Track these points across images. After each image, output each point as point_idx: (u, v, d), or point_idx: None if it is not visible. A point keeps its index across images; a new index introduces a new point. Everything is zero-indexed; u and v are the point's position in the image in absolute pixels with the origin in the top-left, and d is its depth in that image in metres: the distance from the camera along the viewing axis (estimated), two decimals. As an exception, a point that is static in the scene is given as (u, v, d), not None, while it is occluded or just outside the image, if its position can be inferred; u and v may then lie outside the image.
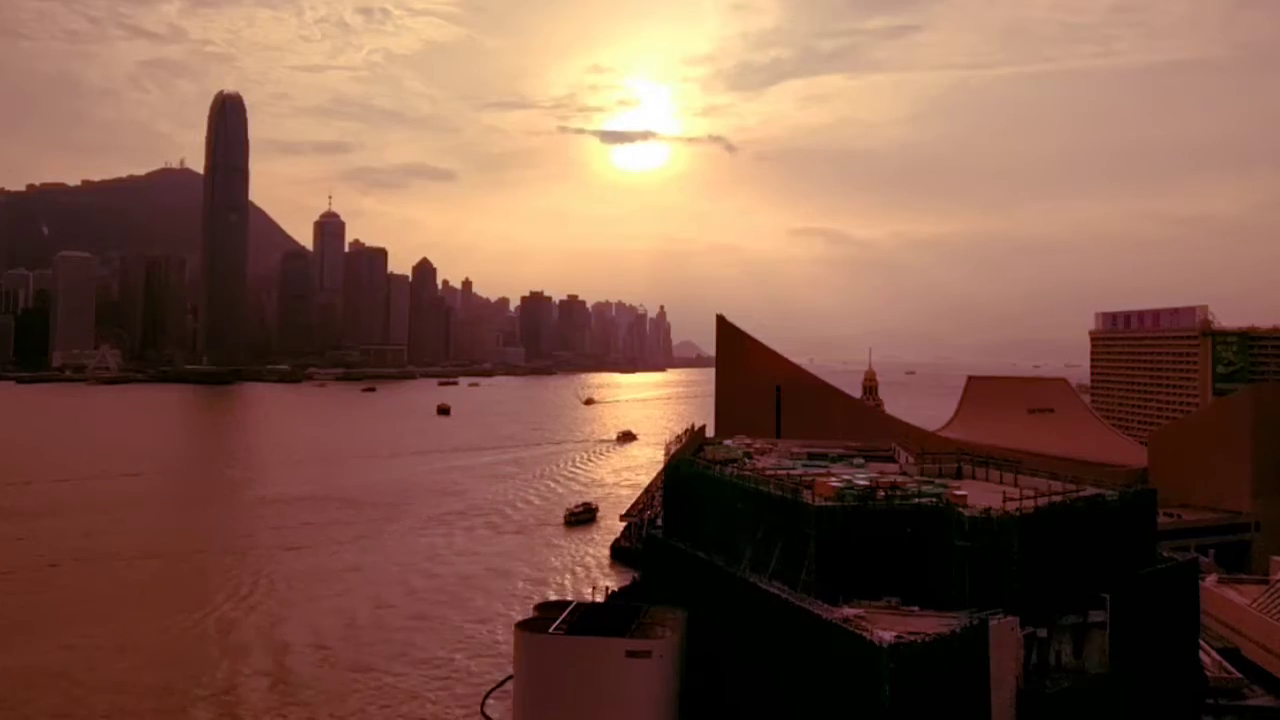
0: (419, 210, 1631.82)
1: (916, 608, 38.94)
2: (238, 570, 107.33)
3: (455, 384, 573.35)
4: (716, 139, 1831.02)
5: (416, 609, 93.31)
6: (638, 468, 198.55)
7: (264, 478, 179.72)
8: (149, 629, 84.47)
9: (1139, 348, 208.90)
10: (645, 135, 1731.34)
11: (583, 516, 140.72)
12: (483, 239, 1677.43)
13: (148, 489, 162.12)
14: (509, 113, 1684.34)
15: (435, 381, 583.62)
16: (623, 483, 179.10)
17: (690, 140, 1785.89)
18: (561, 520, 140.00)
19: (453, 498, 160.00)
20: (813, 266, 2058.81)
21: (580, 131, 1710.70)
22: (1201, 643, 52.38)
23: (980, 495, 46.06)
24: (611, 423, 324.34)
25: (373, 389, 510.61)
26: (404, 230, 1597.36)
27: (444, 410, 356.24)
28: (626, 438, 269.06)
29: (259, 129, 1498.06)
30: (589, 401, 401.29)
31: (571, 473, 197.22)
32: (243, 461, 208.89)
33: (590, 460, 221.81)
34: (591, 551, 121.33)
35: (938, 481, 52.88)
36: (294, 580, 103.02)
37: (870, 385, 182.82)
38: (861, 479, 49.84)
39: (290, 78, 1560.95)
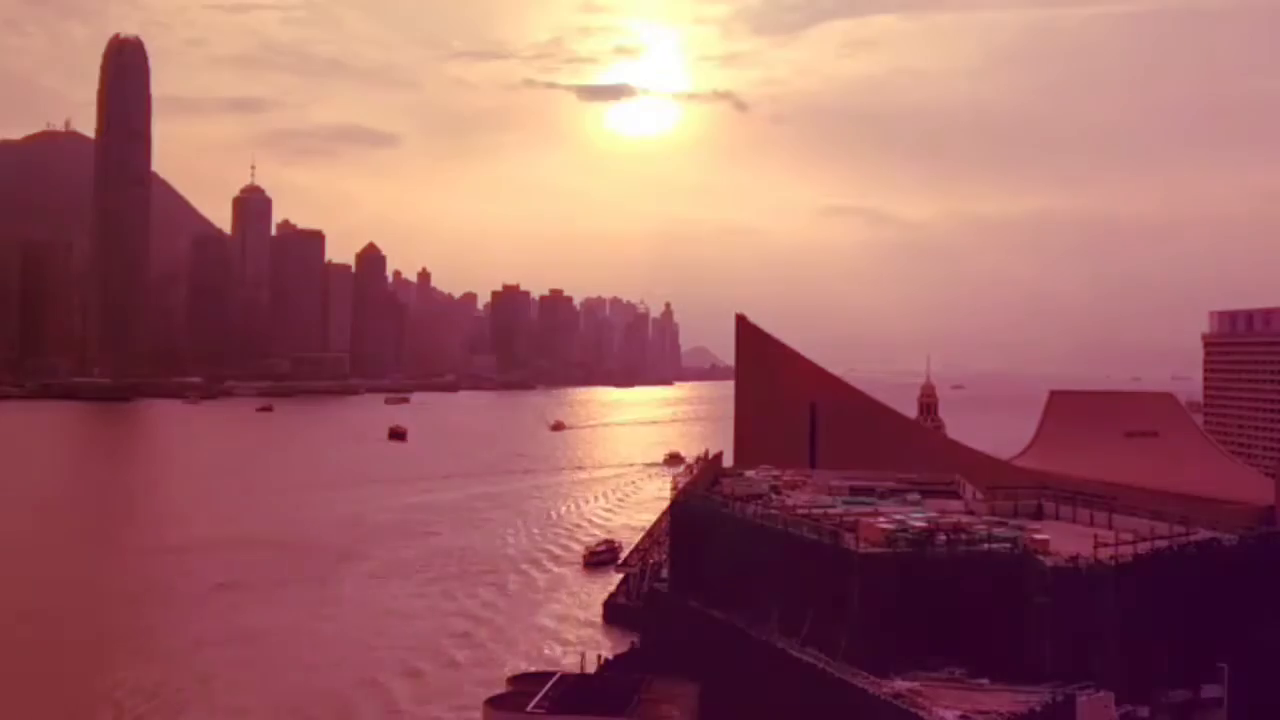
0: (362, 184, 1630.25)
1: (986, 680, 38.99)
2: (135, 631, 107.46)
3: (407, 401, 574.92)
4: (734, 96, 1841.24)
5: (364, 678, 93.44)
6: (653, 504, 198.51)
7: (169, 517, 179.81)
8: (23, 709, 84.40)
9: (1265, 355, 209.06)
10: (647, 92, 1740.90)
11: (604, 557, 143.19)
12: (443, 219, 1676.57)
13: (16, 532, 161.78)
14: (480, 64, 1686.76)
15: (382, 398, 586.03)
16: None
17: (703, 98, 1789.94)
18: (579, 563, 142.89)
19: (415, 539, 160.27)
20: (850, 254, 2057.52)
21: (565, 87, 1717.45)
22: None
23: (1066, 540, 46.13)
24: (621, 447, 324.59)
25: (269, 408, 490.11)
26: (344, 208, 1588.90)
27: (398, 434, 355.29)
28: (674, 460, 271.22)
29: (167, 83, 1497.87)
30: (557, 426, 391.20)
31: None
32: (141, 498, 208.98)
33: (626, 493, 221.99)
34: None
35: (1012, 523, 52.99)
36: (209, 646, 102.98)
37: (928, 402, 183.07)
38: (917, 519, 49.91)
39: (207, 19, 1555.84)
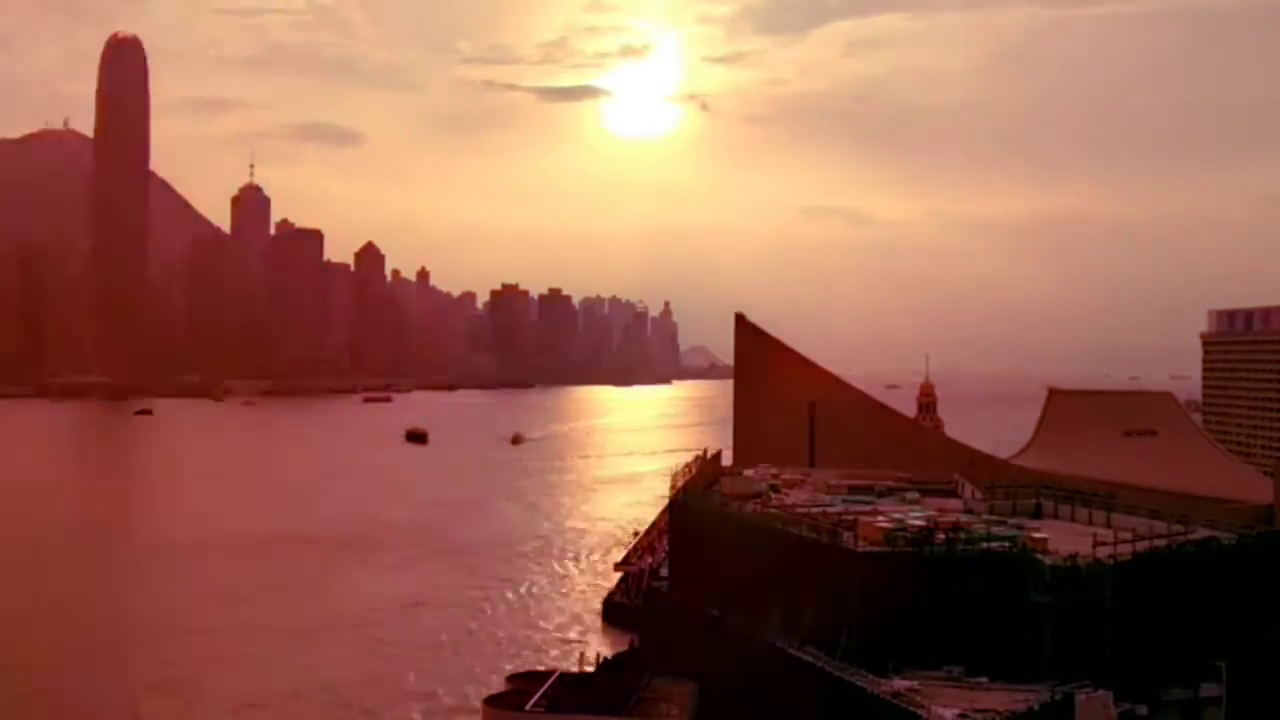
0: (364, 184, 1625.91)
1: (985, 679, 39.01)
2: (134, 629, 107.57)
3: (389, 400, 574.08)
4: (733, 96, 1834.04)
5: (363, 675, 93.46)
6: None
7: (163, 517, 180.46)
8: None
9: (1264, 354, 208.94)
10: (650, 91, 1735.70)
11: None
12: (442, 218, 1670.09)
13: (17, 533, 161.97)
14: (486, 65, 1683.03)
15: (360, 397, 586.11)
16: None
17: (703, 98, 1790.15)
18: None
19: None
20: (836, 253, 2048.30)
21: (567, 89, 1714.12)
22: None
23: (1064, 538, 46.19)
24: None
25: (148, 411, 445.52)
26: (344, 207, 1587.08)
27: (417, 437, 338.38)
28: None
29: (173, 84, 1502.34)
30: (516, 440, 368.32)
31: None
32: (131, 498, 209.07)
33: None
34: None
35: (1011, 522, 53.03)
36: (209, 642, 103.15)
37: (927, 401, 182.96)
38: (916, 518, 49.94)
39: (215, 22, 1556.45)
